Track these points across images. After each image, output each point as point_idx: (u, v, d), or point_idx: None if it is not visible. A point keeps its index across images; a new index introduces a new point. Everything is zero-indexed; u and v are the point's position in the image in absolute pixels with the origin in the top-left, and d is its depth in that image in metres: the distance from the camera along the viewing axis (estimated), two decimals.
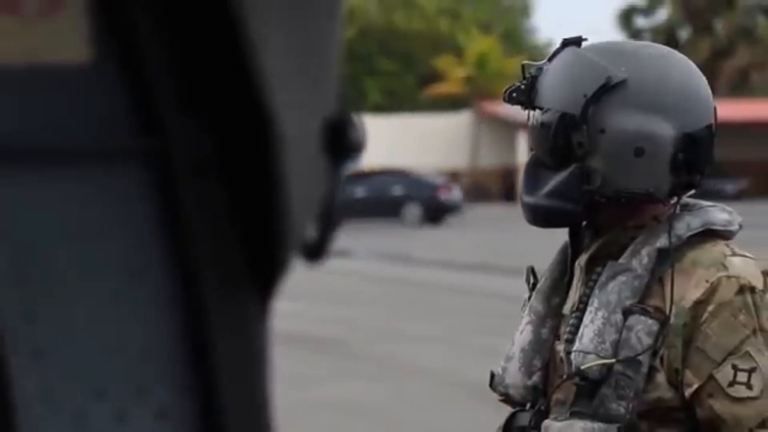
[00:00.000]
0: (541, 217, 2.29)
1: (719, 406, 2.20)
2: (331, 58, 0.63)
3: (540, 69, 2.30)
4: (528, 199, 2.29)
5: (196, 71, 0.61)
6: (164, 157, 0.60)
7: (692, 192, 2.33)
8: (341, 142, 0.62)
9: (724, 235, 2.32)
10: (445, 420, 8.41)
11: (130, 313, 0.57)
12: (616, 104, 2.26)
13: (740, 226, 2.34)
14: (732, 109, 42.37)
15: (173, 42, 0.61)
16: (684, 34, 51.95)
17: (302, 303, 14.67)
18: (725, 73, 49.75)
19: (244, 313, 0.60)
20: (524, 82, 2.28)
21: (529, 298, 2.40)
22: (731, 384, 2.20)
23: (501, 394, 2.38)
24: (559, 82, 2.27)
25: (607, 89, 2.26)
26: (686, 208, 2.31)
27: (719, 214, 2.33)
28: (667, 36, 50.42)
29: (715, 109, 2.37)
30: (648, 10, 52.75)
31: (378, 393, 9.83)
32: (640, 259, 2.26)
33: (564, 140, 2.26)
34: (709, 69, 49.29)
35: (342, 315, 14.46)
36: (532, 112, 2.30)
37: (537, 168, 2.30)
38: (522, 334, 2.36)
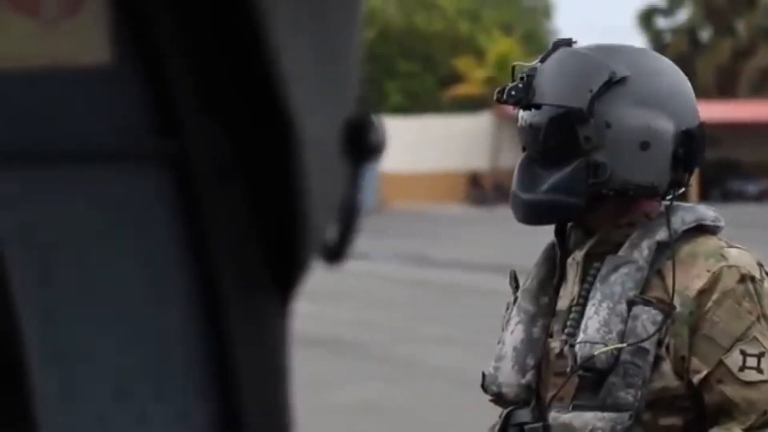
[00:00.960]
0: (542, 213, 2.31)
1: (730, 390, 2.23)
2: (350, 61, 0.62)
3: (534, 69, 2.33)
4: (526, 196, 2.30)
5: (216, 74, 0.61)
6: (185, 159, 0.60)
7: (683, 190, 2.37)
8: (361, 144, 0.62)
9: (713, 230, 2.37)
10: (465, 421, 8.39)
11: (150, 315, 0.57)
12: (620, 99, 2.29)
13: (723, 225, 2.40)
14: (754, 110, 42.21)
15: (193, 44, 0.61)
16: (705, 34, 51.82)
17: (320, 304, 14.67)
18: (746, 74, 49.60)
19: (265, 315, 0.60)
20: (521, 81, 2.31)
21: (515, 300, 2.42)
22: (741, 369, 2.23)
23: (493, 394, 2.40)
24: (561, 78, 2.30)
25: (612, 84, 2.29)
26: (676, 205, 2.35)
27: (707, 211, 2.40)
28: (688, 37, 50.31)
29: (698, 111, 2.42)
30: (668, 11, 52.63)
31: (397, 395, 9.83)
32: (640, 251, 2.29)
33: (568, 135, 2.28)
34: (731, 69, 49.19)
35: (361, 317, 14.47)
36: (524, 112, 2.33)
37: (533, 165, 2.32)
38: (513, 333, 2.39)
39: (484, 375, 2.40)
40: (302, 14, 0.60)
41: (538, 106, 2.31)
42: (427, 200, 42.06)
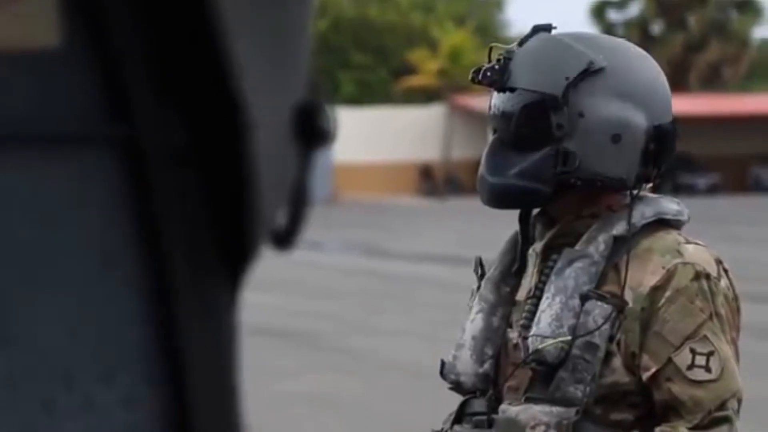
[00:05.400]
0: (507, 197, 2.31)
1: (678, 389, 2.24)
2: (301, 46, 0.62)
3: (511, 52, 2.32)
4: (495, 179, 2.30)
5: (167, 57, 0.60)
6: (135, 144, 0.59)
7: (650, 185, 2.38)
8: (312, 129, 0.62)
9: (675, 224, 2.37)
10: (419, 413, 8.42)
11: (99, 301, 0.57)
12: (596, 90, 2.29)
13: (689, 218, 2.39)
14: (703, 104, 42.54)
15: (144, 28, 0.60)
16: (656, 28, 52.16)
17: (276, 296, 14.65)
18: (697, 68, 49.98)
19: (214, 302, 0.60)
20: (498, 63, 2.30)
21: (478, 288, 2.42)
22: (690, 367, 2.25)
23: (451, 382, 2.40)
24: (538, 63, 2.29)
25: (589, 74, 2.28)
26: (638, 199, 2.35)
27: (670, 204, 2.39)
28: (640, 30, 50.60)
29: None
30: (621, 4, 52.93)
31: (352, 386, 9.83)
32: (596, 245, 2.30)
33: (541, 121, 2.28)
34: (681, 63, 49.53)
35: (316, 308, 14.45)
36: (496, 97, 2.32)
37: (502, 149, 2.31)
38: (473, 322, 2.40)
39: (443, 363, 2.41)
40: None
41: (512, 90, 2.30)
42: (380, 191, 42.10)
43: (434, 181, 41.97)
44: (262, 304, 13.23)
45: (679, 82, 47.90)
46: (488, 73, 2.27)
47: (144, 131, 0.59)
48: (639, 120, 2.28)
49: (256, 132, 0.58)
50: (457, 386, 2.39)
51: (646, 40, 49.38)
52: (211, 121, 0.59)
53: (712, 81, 49.67)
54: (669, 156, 2.32)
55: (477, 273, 2.44)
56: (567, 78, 2.25)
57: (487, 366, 2.35)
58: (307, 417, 8.82)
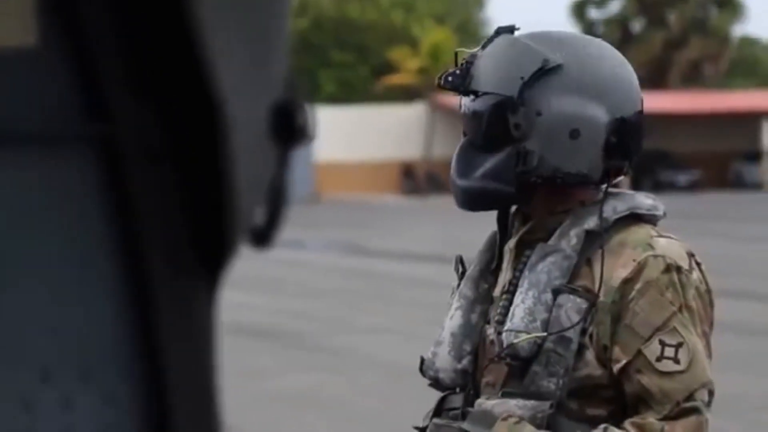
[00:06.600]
0: (475, 199, 2.32)
1: (647, 380, 2.25)
2: (278, 44, 0.62)
3: (474, 55, 2.33)
4: (461, 182, 2.31)
5: (144, 56, 0.60)
6: (113, 142, 0.59)
7: (621, 179, 2.38)
8: (289, 127, 0.62)
9: (649, 219, 2.37)
10: (402, 411, 8.42)
11: (76, 298, 0.57)
12: (553, 87, 2.30)
13: (664, 213, 2.39)
14: (684, 101, 42.66)
15: (121, 27, 0.60)
16: (637, 26, 52.28)
17: (258, 294, 14.64)
18: (678, 65, 50.10)
19: (192, 299, 0.60)
20: (459, 67, 2.31)
21: (458, 285, 2.43)
22: (659, 359, 2.25)
23: (430, 378, 2.40)
24: (496, 65, 2.30)
25: (544, 72, 2.29)
26: (610, 194, 2.35)
27: (644, 199, 2.39)
28: (621, 28, 50.71)
29: (642, 98, 2.41)
30: (601, 2, 53.02)
31: (334, 385, 9.83)
32: (568, 240, 2.30)
33: (501, 122, 2.29)
34: (662, 61, 49.66)
35: (298, 307, 14.45)
36: (464, 99, 2.34)
37: (470, 151, 2.33)
38: (452, 319, 2.40)
39: (422, 359, 2.41)
40: None
41: (474, 93, 2.32)
42: (361, 190, 42.09)
43: (415, 179, 41.99)
44: (244, 303, 13.22)
45: (659, 80, 48.03)
46: (449, 78, 2.30)
47: (121, 130, 0.59)
48: (598, 114, 2.28)
49: (233, 130, 0.59)
50: (436, 382, 2.40)
51: (626, 38, 49.49)
52: (189, 119, 0.59)
53: (693, 78, 49.80)
54: (636, 147, 2.31)
55: (457, 271, 2.45)
56: (522, 78, 2.27)
57: (465, 362, 2.36)
58: (289, 416, 8.82)
